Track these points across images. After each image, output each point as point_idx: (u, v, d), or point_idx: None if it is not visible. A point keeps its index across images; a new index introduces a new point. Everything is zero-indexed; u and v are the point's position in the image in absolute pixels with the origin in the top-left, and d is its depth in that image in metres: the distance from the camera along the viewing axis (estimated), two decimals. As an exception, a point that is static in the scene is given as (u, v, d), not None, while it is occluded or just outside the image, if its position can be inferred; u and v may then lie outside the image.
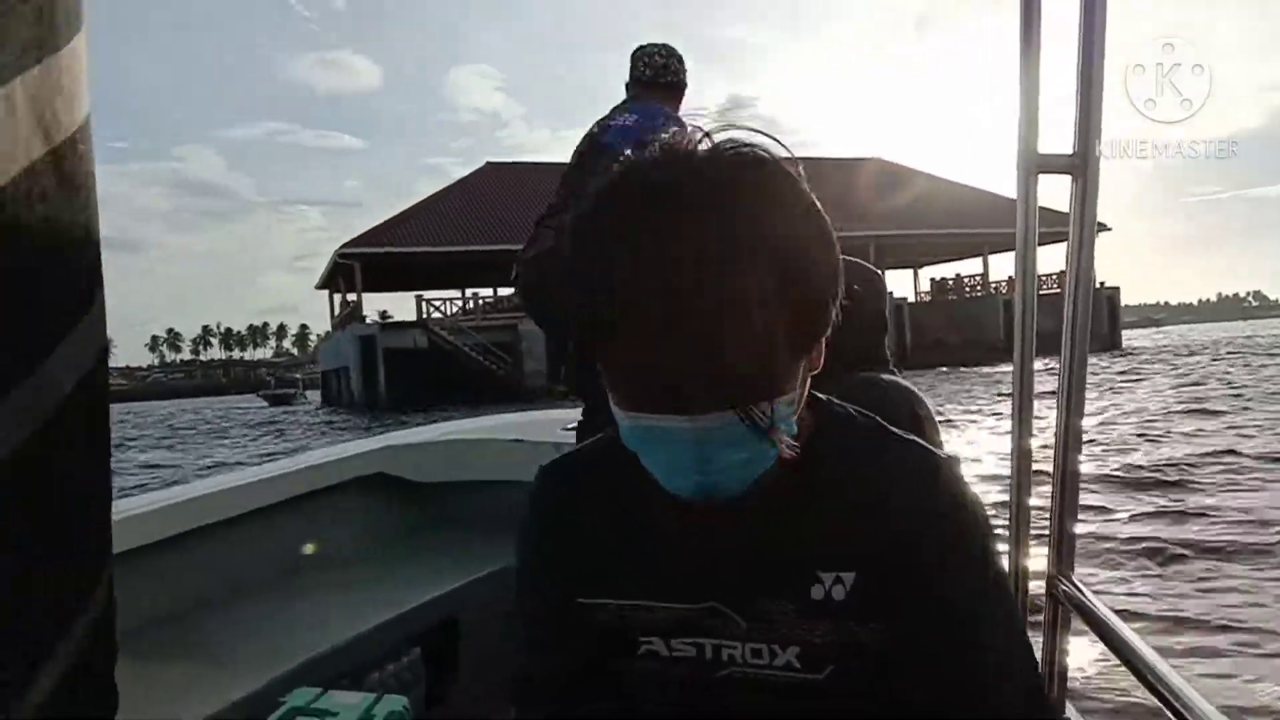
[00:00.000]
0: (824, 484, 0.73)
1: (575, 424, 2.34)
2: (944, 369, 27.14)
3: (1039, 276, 1.03)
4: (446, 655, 1.75)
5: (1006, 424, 1.10)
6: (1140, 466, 7.07)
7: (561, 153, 3.06)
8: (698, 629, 0.76)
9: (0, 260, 0.29)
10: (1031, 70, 0.95)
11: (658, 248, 0.60)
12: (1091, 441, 8.27)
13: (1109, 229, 38.31)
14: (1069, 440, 0.97)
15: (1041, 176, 0.97)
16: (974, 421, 11.69)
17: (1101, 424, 9.88)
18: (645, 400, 0.64)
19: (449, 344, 28.81)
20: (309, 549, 1.95)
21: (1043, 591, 1.03)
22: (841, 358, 1.51)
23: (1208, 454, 7.46)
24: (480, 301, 33.31)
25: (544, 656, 0.85)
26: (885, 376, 1.45)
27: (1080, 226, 0.96)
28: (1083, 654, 2.59)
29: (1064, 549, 0.99)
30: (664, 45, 2.69)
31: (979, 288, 37.32)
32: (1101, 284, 36.73)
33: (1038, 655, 1.04)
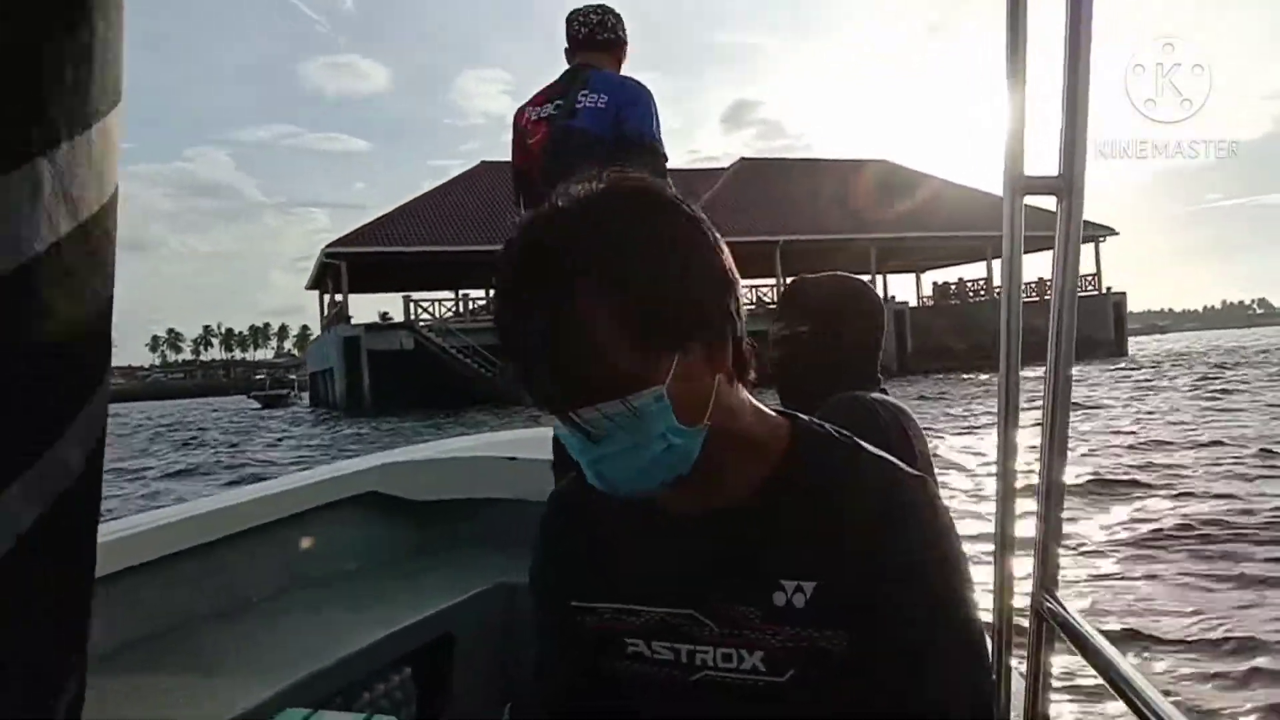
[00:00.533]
0: (794, 496, 0.79)
1: None
2: (947, 375, 26.91)
3: (1026, 284, 1.03)
4: (440, 673, 1.74)
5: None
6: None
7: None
8: (675, 633, 0.81)
9: (23, 336, 0.28)
10: (1017, 93, 0.96)
11: (521, 301, 0.72)
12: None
13: (1116, 233, 37.80)
14: (1053, 459, 0.98)
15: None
16: (970, 431, 11.60)
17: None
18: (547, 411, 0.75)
19: (435, 346, 27.91)
20: (302, 567, 1.94)
21: (1028, 608, 1.03)
22: (829, 377, 1.53)
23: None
24: (471, 303, 31.90)
25: (547, 670, 0.91)
26: (874, 395, 1.46)
27: (1065, 246, 0.97)
28: (1067, 672, 2.58)
29: (1048, 567, 0.99)
30: (600, 4, 2.55)
31: (982, 292, 37.09)
32: (1108, 289, 36.42)
33: (1021, 671, 1.04)
